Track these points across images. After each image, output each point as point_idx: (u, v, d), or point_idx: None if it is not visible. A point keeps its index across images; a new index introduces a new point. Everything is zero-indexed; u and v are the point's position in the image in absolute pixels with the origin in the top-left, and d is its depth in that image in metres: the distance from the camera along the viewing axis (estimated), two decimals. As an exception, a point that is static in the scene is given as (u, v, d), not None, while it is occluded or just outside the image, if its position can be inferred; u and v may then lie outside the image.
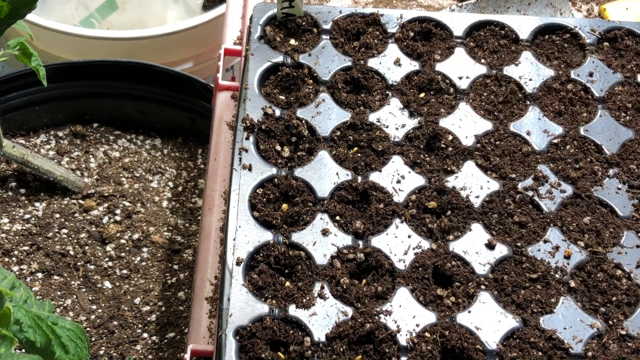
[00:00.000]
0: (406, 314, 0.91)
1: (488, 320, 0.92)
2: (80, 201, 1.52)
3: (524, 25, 1.23)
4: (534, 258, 0.98)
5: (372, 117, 1.10)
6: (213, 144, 1.20)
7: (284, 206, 1.00)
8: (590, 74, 1.18)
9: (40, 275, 1.41)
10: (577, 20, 1.25)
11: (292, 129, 1.06)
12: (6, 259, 1.41)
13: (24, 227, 1.46)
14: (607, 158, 1.09)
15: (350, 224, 0.99)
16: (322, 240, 0.97)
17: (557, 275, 0.97)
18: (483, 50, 1.20)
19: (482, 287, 0.95)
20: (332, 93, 1.12)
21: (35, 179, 1.54)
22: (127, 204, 1.53)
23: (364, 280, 0.95)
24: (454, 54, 1.18)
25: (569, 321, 0.93)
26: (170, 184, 1.62)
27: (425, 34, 1.21)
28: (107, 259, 1.44)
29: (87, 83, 1.64)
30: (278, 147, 1.05)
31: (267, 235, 0.96)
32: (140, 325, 1.37)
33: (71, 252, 1.44)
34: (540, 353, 0.89)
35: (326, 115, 1.09)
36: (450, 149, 1.08)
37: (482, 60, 1.19)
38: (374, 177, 1.04)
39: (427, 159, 1.07)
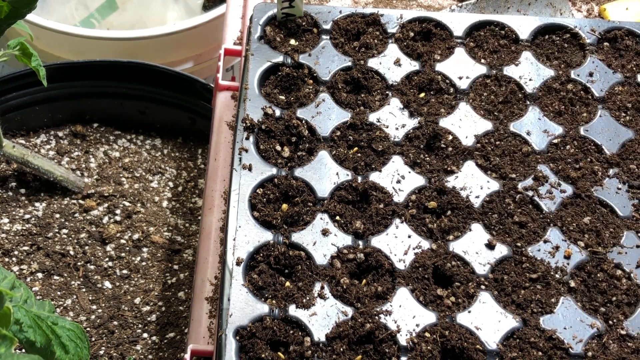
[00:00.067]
0: (406, 314, 0.91)
1: (488, 320, 0.92)
2: (80, 201, 1.52)
3: (524, 25, 1.23)
4: (534, 258, 0.98)
5: (372, 117, 1.10)
6: (213, 144, 1.20)
7: (284, 206, 1.00)
8: (590, 74, 1.18)
9: (40, 275, 1.41)
10: (577, 20, 1.25)
11: (292, 129, 1.06)
12: (6, 259, 1.41)
13: (24, 227, 1.46)
14: (607, 158, 1.09)
15: (350, 224, 0.99)
16: (322, 240, 0.97)
17: (557, 275, 0.97)
18: (483, 50, 1.20)
19: (482, 287, 0.95)
20: (332, 93, 1.12)
21: (35, 179, 1.54)
22: (127, 204, 1.53)
23: (364, 280, 0.95)
24: (454, 54, 1.19)
25: (569, 321, 0.93)
26: (170, 184, 1.62)
27: (425, 34, 1.21)
28: (107, 259, 1.44)
29: (87, 83, 1.64)
30: (278, 147, 1.05)
31: (267, 235, 0.96)
32: (140, 325, 1.37)
33: (71, 252, 1.44)
34: (540, 353, 0.89)
35: (326, 115, 1.09)
36: (450, 149, 1.08)
37: (482, 60, 1.19)
38: (374, 177, 1.04)
39: (427, 159, 1.07)
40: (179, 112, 1.68)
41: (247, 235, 0.96)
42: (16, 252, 1.43)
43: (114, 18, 1.95)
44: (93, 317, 1.36)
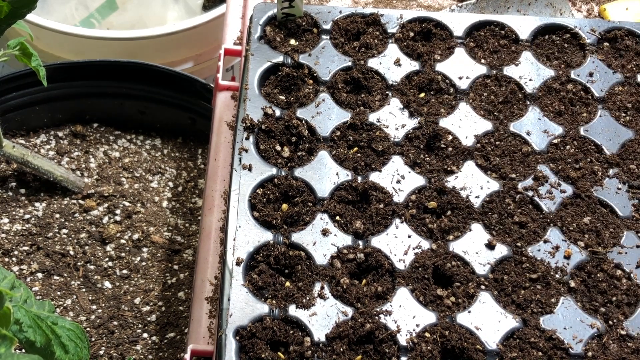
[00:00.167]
0: (406, 314, 0.91)
1: (488, 320, 0.92)
2: (80, 201, 1.52)
3: (524, 25, 1.23)
4: (534, 258, 0.98)
5: (372, 117, 1.10)
6: (213, 144, 1.20)
7: (284, 206, 1.00)
8: (590, 74, 1.18)
9: (40, 275, 1.41)
10: (577, 20, 1.25)
11: (292, 129, 1.06)
12: (6, 259, 1.41)
13: (24, 227, 1.46)
14: (607, 158, 1.09)
15: (350, 224, 0.99)
16: (322, 240, 0.97)
17: (557, 276, 0.97)
18: (483, 51, 1.20)
19: (482, 287, 0.95)
20: (332, 93, 1.12)
21: (35, 179, 1.54)
22: (127, 204, 1.53)
23: (364, 281, 0.95)
24: (454, 54, 1.19)
25: (569, 321, 0.93)
26: (170, 184, 1.62)
27: (425, 34, 1.21)
28: (107, 259, 1.44)
29: (87, 83, 1.64)
30: (278, 147, 1.05)
31: (267, 235, 0.96)
32: (140, 325, 1.37)
33: (71, 252, 1.44)
34: (540, 353, 0.89)
35: (326, 115, 1.09)
36: (450, 149, 1.08)
37: (482, 60, 1.19)
38: (374, 177, 1.04)
39: (427, 159, 1.07)
40: (179, 112, 1.68)
41: (247, 235, 0.96)
42: (16, 252, 1.43)
43: (114, 18, 1.95)
44: (93, 317, 1.36)
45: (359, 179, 1.03)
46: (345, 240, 0.97)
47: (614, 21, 1.26)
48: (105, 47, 1.76)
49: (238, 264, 0.93)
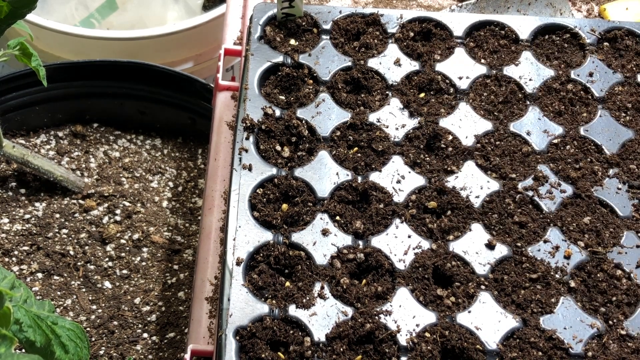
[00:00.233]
0: (406, 314, 0.91)
1: (488, 320, 0.92)
2: (80, 201, 1.52)
3: (524, 25, 1.23)
4: (534, 258, 0.98)
5: (372, 117, 1.10)
6: (213, 144, 1.20)
7: (284, 206, 1.00)
8: (590, 74, 1.18)
9: (40, 275, 1.41)
10: (577, 20, 1.25)
11: (292, 129, 1.06)
12: (6, 259, 1.41)
13: (24, 227, 1.46)
14: (607, 158, 1.09)
15: (350, 224, 0.99)
16: (322, 240, 0.97)
17: (557, 275, 0.97)
18: (483, 50, 1.20)
19: (482, 287, 0.95)
20: (332, 93, 1.12)
21: (35, 179, 1.54)
22: (127, 204, 1.53)
23: (364, 280, 0.95)
24: (454, 54, 1.18)
25: (569, 321, 0.93)
26: (170, 184, 1.62)
27: (425, 34, 1.21)
28: (107, 259, 1.44)
29: (87, 83, 1.64)
30: (278, 147, 1.05)
31: (267, 235, 0.96)
32: (140, 325, 1.37)
33: (71, 252, 1.44)
34: (540, 353, 0.89)
35: (326, 115, 1.09)
36: (450, 149, 1.08)
37: (482, 60, 1.19)
38: (374, 177, 1.04)
39: (427, 159, 1.07)
40: (179, 112, 1.68)
41: (247, 235, 0.96)
42: (16, 252, 1.43)
43: (114, 18, 1.95)
44: (93, 317, 1.36)
45: (359, 179, 1.03)
46: (345, 240, 0.97)
47: (614, 21, 1.26)
48: (105, 47, 1.76)
49: (238, 264, 0.93)
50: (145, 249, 1.48)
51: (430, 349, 0.88)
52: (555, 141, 1.10)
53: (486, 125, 1.11)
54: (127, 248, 1.46)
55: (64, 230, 1.47)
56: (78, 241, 1.46)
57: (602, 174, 1.07)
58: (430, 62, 1.17)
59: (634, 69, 1.19)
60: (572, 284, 0.96)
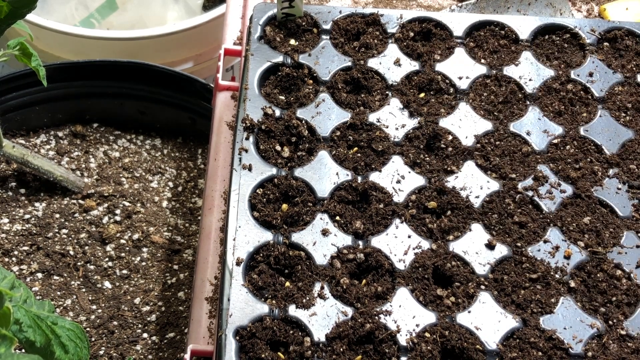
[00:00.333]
0: (406, 314, 0.91)
1: (488, 320, 0.92)
2: (80, 201, 1.52)
3: (524, 25, 1.23)
4: (534, 258, 0.98)
5: (372, 117, 1.10)
6: (213, 144, 1.20)
7: (284, 206, 1.00)
8: (590, 74, 1.18)
9: (40, 275, 1.41)
10: (577, 20, 1.25)
11: (292, 129, 1.06)
12: (6, 259, 1.41)
13: (24, 227, 1.46)
14: (607, 158, 1.09)
15: (350, 224, 0.99)
16: (322, 240, 0.97)
17: (557, 276, 0.97)
18: (483, 51, 1.20)
19: (482, 287, 0.95)
20: (332, 93, 1.12)
21: (35, 179, 1.54)
22: (127, 204, 1.53)
23: (364, 281, 0.95)
24: (454, 54, 1.18)
25: (569, 321, 0.93)
26: (170, 184, 1.62)
27: (425, 34, 1.21)
28: (107, 259, 1.44)
29: (87, 83, 1.64)
30: (278, 147, 1.05)
31: (267, 236, 0.96)
32: (140, 325, 1.37)
33: (71, 252, 1.44)
34: (540, 353, 0.89)
35: (326, 115, 1.09)
36: (450, 149, 1.08)
37: (482, 61, 1.19)
38: (374, 177, 1.04)
39: (427, 159, 1.07)
40: (179, 112, 1.68)
41: (247, 235, 0.96)
42: (16, 252, 1.43)
43: (114, 18, 1.95)
44: (93, 317, 1.36)
45: (359, 179, 1.03)
46: (345, 240, 0.97)
47: (614, 21, 1.26)
48: (105, 47, 1.76)
49: (238, 264, 0.93)
50: (145, 249, 1.48)
51: (430, 349, 0.88)
52: (555, 141, 1.10)
53: (486, 125, 1.11)
54: (127, 248, 1.46)
55: (64, 230, 1.47)
56: (78, 241, 1.46)
57: (602, 174, 1.07)
58: (430, 62, 1.17)
59: (634, 69, 1.19)
60: (572, 284, 0.96)
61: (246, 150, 1.04)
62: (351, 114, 1.09)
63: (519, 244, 0.99)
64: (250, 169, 1.02)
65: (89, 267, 1.43)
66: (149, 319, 1.38)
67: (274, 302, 0.91)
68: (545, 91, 1.16)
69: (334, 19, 1.20)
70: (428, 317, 0.91)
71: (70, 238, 1.46)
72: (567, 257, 0.98)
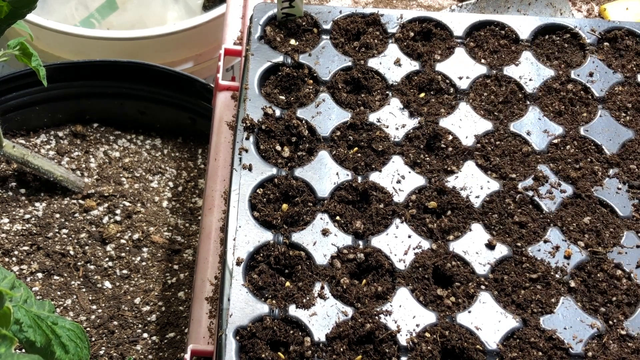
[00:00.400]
0: (406, 314, 0.91)
1: (488, 320, 0.92)
2: (80, 201, 1.52)
3: (524, 25, 1.23)
4: (534, 258, 0.98)
5: (372, 117, 1.10)
6: (213, 144, 1.20)
7: (284, 206, 1.00)
8: (591, 74, 1.18)
9: (40, 275, 1.41)
10: (577, 20, 1.25)
11: (292, 129, 1.06)
12: (6, 259, 1.41)
13: (24, 227, 1.46)
14: (607, 158, 1.09)
15: (350, 224, 0.99)
16: (322, 240, 0.97)
17: (557, 275, 0.97)
18: (483, 50, 1.20)
19: (482, 287, 0.95)
20: (332, 93, 1.12)
21: (35, 179, 1.54)
22: (127, 204, 1.53)
23: (364, 281, 0.95)
24: (454, 54, 1.18)
25: (569, 321, 0.93)
26: (170, 184, 1.62)
27: (425, 34, 1.21)
28: (107, 259, 1.44)
29: (87, 83, 1.64)
30: (278, 147, 1.05)
31: (267, 235, 0.96)
32: (140, 325, 1.37)
33: (71, 252, 1.44)
34: (540, 353, 0.89)
35: (326, 115, 1.09)
36: (450, 149, 1.08)
37: (482, 60, 1.19)
38: (374, 177, 1.04)
39: (427, 159, 1.07)
40: (179, 112, 1.68)
41: (247, 235, 0.96)
42: (16, 252, 1.43)
43: (114, 18, 1.95)
44: (93, 317, 1.36)
45: (359, 179, 1.03)
46: (346, 240, 0.97)
47: (614, 21, 1.26)
48: (105, 47, 1.76)
49: (238, 264, 0.93)
50: (145, 249, 1.48)
51: (430, 349, 0.88)
52: (555, 141, 1.10)
53: (486, 125, 1.11)
54: (127, 248, 1.46)
55: (64, 230, 1.47)
56: (78, 241, 1.46)
57: (602, 174, 1.07)
58: (431, 62, 1.17)
59: (634, 69, 1.19)
60: (572, 284, 0.96)
61: (246, 150, 1.04)
62: (351, 114, 1.09)
63: (519, 244, 0.99)
64: (250, 168, 1.02)
65: (89, 267, 1.43)
66: (149, 319, 1.38)
67: (274, 302, 0.91)
68: (545, 91, 1.16)
69: (334, 19, 1.20)
70: (428, 317, 0.91)
71: (70, 238, 1.46)
72: (567, 257, 0.98)
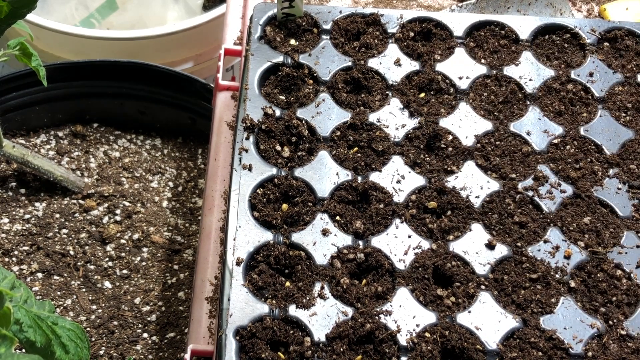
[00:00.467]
0: (406, 314, 0.91)
1: (488, 320, 0.92)
2: (80, 201, 1.52)
3: (524, 25, 1.23)
4: (534, 258, 0.98)
5: (372, 117, 1.10)
6: (213, 144, 1.20)
7: (284, 206, 1.00)
8: (591, 74, 1.18)
9: (40, 275, 1.41)
10: (577, 20, 1.25)
11: (292, 129, 1.06)
12: (6, 259, 1.41)
13: (24, 227, 1.46)
14: (607, 158, 1.09)
15: (350, 224, 0.99)
16: (322, 240, 0.97)
17: (557, 276, 0.97)
18: (483, 51, 1.20)
19: (482, 287, 0.95)
20: (332, 93, 1.12)
21: (35, 179, 1.54)
22: (127, 204, 1.53)
23: (364, 281, 0.95)
24: (454, 54, 1.19)
25: (569, 321, 0.93)
26: (170, 184, 1.62)
27: (425, 34, 1.21)
28: (107, 259, 1.44)
29: (87, 83, 1.64)
30: (278, 147, 1.05)
31: (267, 235, 0.96)
32: (140, 325, 1.37)
33: (71, 252, 1.44)
34: (540, 353, 0.89)
35: (326, 115, 1.09)
36: (450, 149, 1.08)
37: (482, 60, 1.19)
38: (374, 177, 1.04)
39: (427, 159, 1.07)
40: (179, 112, 1.68)
41: (247, 235, 0.96)
42: (16, 252, 1.43)
43: (114, 18, 1.95)
44: (93, 317, 1.36)
45: (359, 179, 1.03)
46: (345, 240, 0.97)
47: (614, 21, 1.27)
48: (105, 47, 1.76)
49: (238, 264, 0.93)
50: (145, 249, 1.48)
51: (430, 349, 0.88)
52: (555, 141, 1.10)
53: (486, 125, 1.11)
54: (127, 248, 1.46)
55: (64, 230, 1.47)
56: (78, 241, 1.46)
57: (602, 174, 1.07)
58: (431, 62, 1.17)
59: (634, 69, 1.19)
60: (572, 284, 0.96)
61: (246, 150, 1.04)
62: (351, 114, 1.09)
63: (519, 244, 0.99)
64: (250, 169, 1.02)
65: (89, 267, 1.43)
66: (149, 319, 1.38)
67: (274, 302, 0.91)
68: (545, 91, 1.16)
69: (334, 19, 1.20)
70: (428, 317, 0.91)
71: (70, 238, 1.46)
72: (567, 257, 0.98)
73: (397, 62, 1.16)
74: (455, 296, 0.94)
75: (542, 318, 0.92)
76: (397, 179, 1.04)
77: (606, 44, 1.22)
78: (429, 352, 0.88)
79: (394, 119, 1.10)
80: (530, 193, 1.04)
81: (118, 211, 1.51)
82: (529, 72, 1.17)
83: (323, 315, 0.90)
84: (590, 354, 0.90)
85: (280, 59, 1.14)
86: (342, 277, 0.93)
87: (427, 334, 0.89)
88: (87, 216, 1.50)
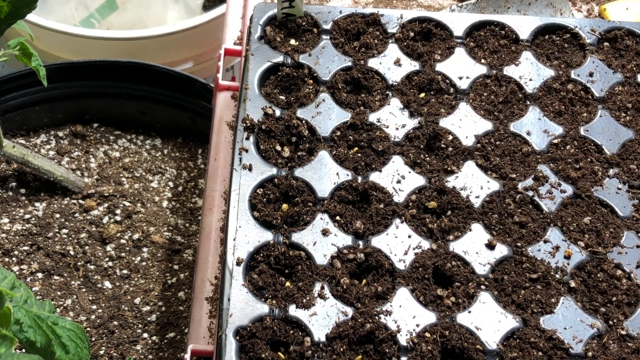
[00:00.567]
0: (406, 314, 0.91)
1: (488, 320, 0.92)
2: (81, 201, 1.52)
3: (524, 25, 1.23)
4: (534, 258, 0.98)
5: (372, 117, 1.10)
6: (213, 144, 1.20)
7: (284, 206, 1.00)
8: (591, 74, 1.18)
9: (40, 275, 1.41)
10: (577, 20, 1.25)
11: (292, 129, 1.06)
12: (6, 259, 1.41)
13: (24, 227, 1.46)
14: (607, 158, 1.09)
15: (350, 224, 0.99)
16: (322, 240, 0.97)
17: (557, 276, 0.97)
18: (483, 51, 1.20)
19: (482, 287, 0.95)
20: (332, 93, 1.12)
21: (35, 179, 1.54)
22: (127, 204, 1.53)
23: (364, 281, 0.95)
24: (454, 54, 1.19)
25: (569, 321, 0.93)
26: (171, 184, 1.62)
27: (425, 34, 1.21)
28: (107, 259, 1.44)
29: (87, 83, 1.64)
30: (278, 147, 1.05)
31: (267, 236, 0.96)
32: (140, 325, 1.37)
33: (71, 252, 1.44)
34: (540, 353, 0.89)
35: (326, 115, 1.09)
36: (450, 149, 1.08)
37: (482, 60, 1.19)
38: (374, 177, 1.04)
39: (427, 159, 1.07)
40: (179, 112, 1.68)
41: (247, 235, 0.96)
42: (16, 252, 1.43)
43: (114, 18, 1.95)
44: (93, 317, 1.36)
45: (359, 179, 1.03)
46: (346, 240, 0.97)
47: (614, 21, 1.27)
48: (105, 47, 1.76)
49: (238, 264, 0.93)
50: (145, 249, 1.48)
51: (430, 349, 0.88)
52: (556, 141, 1.10)
53: (486, 125, 1.11)
54: (127, 248, 1.46)
55: (64, 230, 1.47)
56: (78, 241, 1.46)
57: (602, 174, 1.07)
58: (431, 62, 1.17)
59: (634, 69, 1.19)
60: (572, 284, 0.96)
61: (246, 150, 1.04)
62: (351, 114, 1.09)
63: (519, 244, 0.99)
64: (250, 169, 1.02)
65: (89, 267, 1.43)
66: (149, 319, 1.38)
67: (274, 302, 0.91)
68: (545, 91, 1.16)
69: (334, 19, 1.20)
70: (428, 317, 0.91)
71: (70, 238, 1.46)
72: (568, 257, 0.98)
73: (397, 62, 1.16)
74: (455, 296, 0.94)
75: (542, 318, 0.92)
76: (397, 179, 1.04)
77: (606, 44, 1.22)
78: (429, 352, 0.88)
79: (394, 119, 1.10)
80: (530, 193, 1.04)
81: (118, 211, 1.51)
82: (529, 72, 1.17)
83: (323, 315, 0.90)
84: (590, 354, 0.90)
85: (280, 59, 1.14)
86: (342, 277, 0.93)
87: (427, 334, 0.89)
88: (87, 216, 1.50)
